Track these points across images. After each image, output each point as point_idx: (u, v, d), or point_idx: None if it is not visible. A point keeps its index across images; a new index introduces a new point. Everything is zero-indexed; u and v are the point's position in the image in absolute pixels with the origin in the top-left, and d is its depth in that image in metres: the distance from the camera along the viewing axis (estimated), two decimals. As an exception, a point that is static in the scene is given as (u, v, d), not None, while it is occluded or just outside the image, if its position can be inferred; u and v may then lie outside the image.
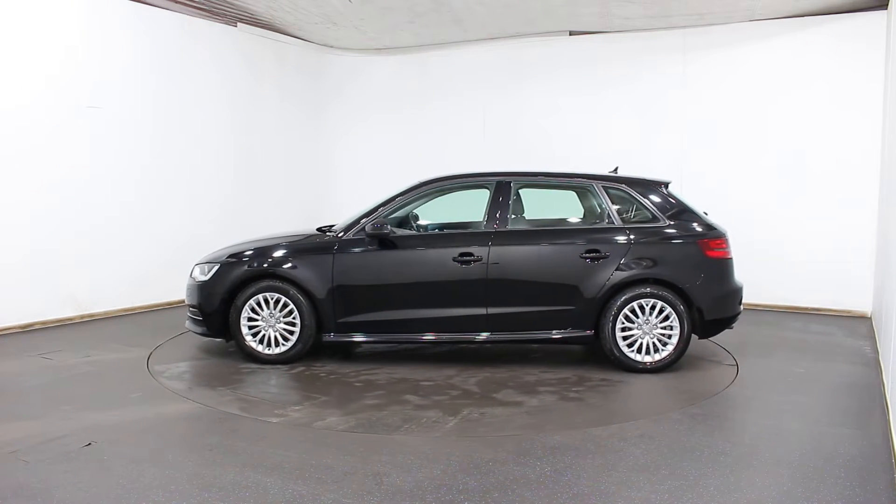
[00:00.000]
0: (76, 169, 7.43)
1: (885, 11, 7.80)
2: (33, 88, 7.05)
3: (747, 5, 7.98)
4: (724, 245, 5.82)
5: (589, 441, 4.25)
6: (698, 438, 4.28)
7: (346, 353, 6.40)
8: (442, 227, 6.60)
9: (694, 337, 5.86)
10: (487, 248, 5.77)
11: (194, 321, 6.16)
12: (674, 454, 4.04)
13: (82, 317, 7.56)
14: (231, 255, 6.10)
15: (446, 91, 10.30)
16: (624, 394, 5.30)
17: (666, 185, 6.07)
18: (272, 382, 5.55)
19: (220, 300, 5.93)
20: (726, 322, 5.90)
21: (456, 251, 5.78)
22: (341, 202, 10.21)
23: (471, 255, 5.76)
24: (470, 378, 5.61)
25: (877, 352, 6.41)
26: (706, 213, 6.09)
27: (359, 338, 5.92)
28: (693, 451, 4.07)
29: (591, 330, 5.76)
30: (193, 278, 6.18)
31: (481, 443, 4.19)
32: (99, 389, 5.25)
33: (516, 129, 9.81)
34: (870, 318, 7.92)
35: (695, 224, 5.85)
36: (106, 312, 7.80)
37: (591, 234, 5.89)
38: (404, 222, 6.40)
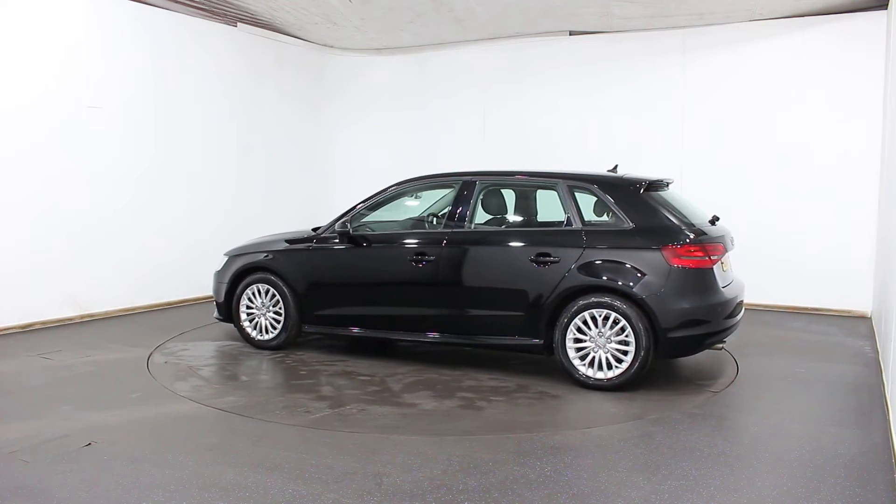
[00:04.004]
0: (76, 168, 7.43)
1: (885, 11, 7.80)
2: (34, 88, 7.04)
3: (747, 5, 7.97)
4: (698, 253, 5.17)
5: (589, 441, 4.25)
6: (698, 438, 4.28)
7: (365, 347, 6.45)
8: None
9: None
10: (440, 248, 5.75)
11: (215, 307, 6.82)
12: (674, 454, 4.04)
13: (82, 317, 7.56)
14: (235, 250, 6.82)
15: (446, 91, 10.29)
16: (538, 408, 4.89)
17: (651, 183, 5.53)
18: (232, 365, 6.02)
19: (226, 289, 6.62)
20: (699, 340, 5.24)
21: (412, 251, 5.84)
22: (341, 201, 10.16)
23: (425, 255, 5.77)
24: (408, 377, 5.59)
25: (877, 352, 6.41)
26: (717, 219, 5.68)
27: (331, 331, 6.25)
28: (693, 451, 4.07)
29: (538, 339, 5.41)
30: (216, 269, 6.85)
31: (481, 443, 4.19)
32: (99, 389, 5.26)
33: (516, 129, 9.80)
34: (870, 318, 7.92)
35: (664, 229, 5.24)
36: (106, 312, 7.79)
37: (542, 236, 5.59)
38: (422, 222, 6.40)
